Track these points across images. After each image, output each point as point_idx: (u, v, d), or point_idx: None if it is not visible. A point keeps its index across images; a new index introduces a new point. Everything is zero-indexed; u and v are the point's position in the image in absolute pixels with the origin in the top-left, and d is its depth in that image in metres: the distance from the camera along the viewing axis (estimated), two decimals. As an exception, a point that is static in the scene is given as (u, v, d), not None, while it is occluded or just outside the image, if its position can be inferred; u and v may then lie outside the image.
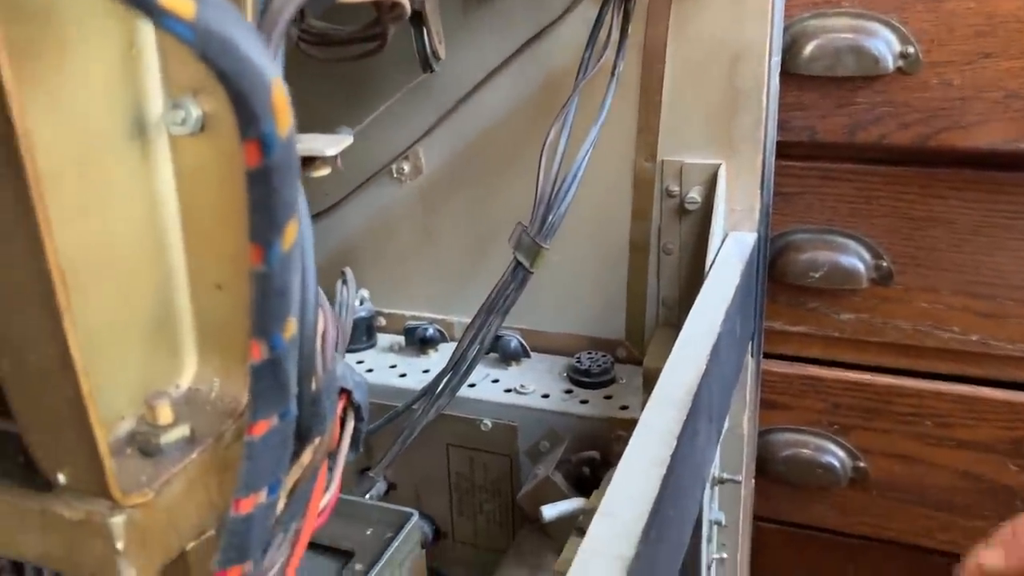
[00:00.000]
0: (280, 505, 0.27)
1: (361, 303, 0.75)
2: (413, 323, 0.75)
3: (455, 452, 0.70)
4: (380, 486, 0.73)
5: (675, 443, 0.41)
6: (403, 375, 0.71)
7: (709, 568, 0.71)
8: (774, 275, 0.76)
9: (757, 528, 0.84)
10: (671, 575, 0.41)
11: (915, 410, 0.77)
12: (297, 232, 0.18)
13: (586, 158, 0.52)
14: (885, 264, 0.74)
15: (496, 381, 0.70)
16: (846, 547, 0.83)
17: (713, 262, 0.61)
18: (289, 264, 0.18)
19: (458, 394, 0.68)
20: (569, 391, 0.69)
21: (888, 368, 0.78)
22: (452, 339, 0.76)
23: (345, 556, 0.43)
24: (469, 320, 0.76)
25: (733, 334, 0.56)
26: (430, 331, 0.74)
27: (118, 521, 0.22)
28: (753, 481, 0.76)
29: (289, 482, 0.27)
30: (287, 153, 0.16)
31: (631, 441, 0.41)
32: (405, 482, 0.73)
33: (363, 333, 0.75)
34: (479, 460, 0.70)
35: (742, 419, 0.70)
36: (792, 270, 0.76)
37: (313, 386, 0.26)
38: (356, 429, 0.32)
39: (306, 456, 0.26)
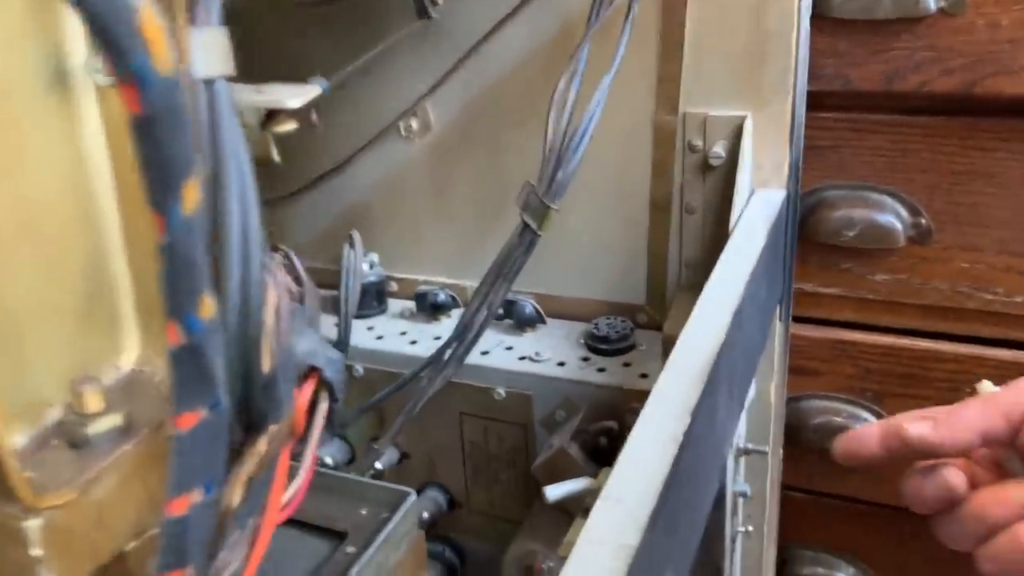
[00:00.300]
0: (236, 500, 0.24)
1: (371, 267, 0.72)
2: (425, 288, 0.72)
3: (469, 421, 0.68)
4: (392, 455, 0.71)
5: (690, 419, 0.38)
6: (414, 342, 0.69)
7: (734, 541, 0.68)
8: (805, 234, 0.72)
9: (787, 498, 0.80)
10: (684, 561, 0.38)
11: (953, 376, 0.72)
12: (198, 192, 0.14)
13: (598, 110, 0.48)
14: (924, 222, 0.69)
15: (510, 348, 0.67)
16: (881, 517, 0.80)
17: (737, 221, 0.57)
18: (193, 231, 0.15)
19: (471, 362, 0.65)
20: (586, 358, 0.66)
21: (925, 332, 0.73)
22: (466, 304, 0.73)
23: (338, 537, 0.41)
24: (483, 284, 0.73)
25: (758, 298, 0.53)
26: (442, 296, 0.71)
27: (33, 525, 0.19)
28: (781, 451, 0.73)
29: (244, 475, 0.24)
30: (170, 95, 0.13)
31: (640, 418, 0.38)
32: (418, 451, 0.71)
33: (373, 298, 0.72)
34: (493, 430, 0.67)
35: (769, 387, 0.67)
36: (824, 229, 0.71)
37: (265, 368, 0.23)
38: (331, 410, 0.29)
39: (261, 445, 0.23)
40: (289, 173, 0.75)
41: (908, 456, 0.41)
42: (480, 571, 0.73)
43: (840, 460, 0.44)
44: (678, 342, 0.43)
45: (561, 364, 0.65)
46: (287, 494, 0.26)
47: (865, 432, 0.43)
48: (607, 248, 0.68)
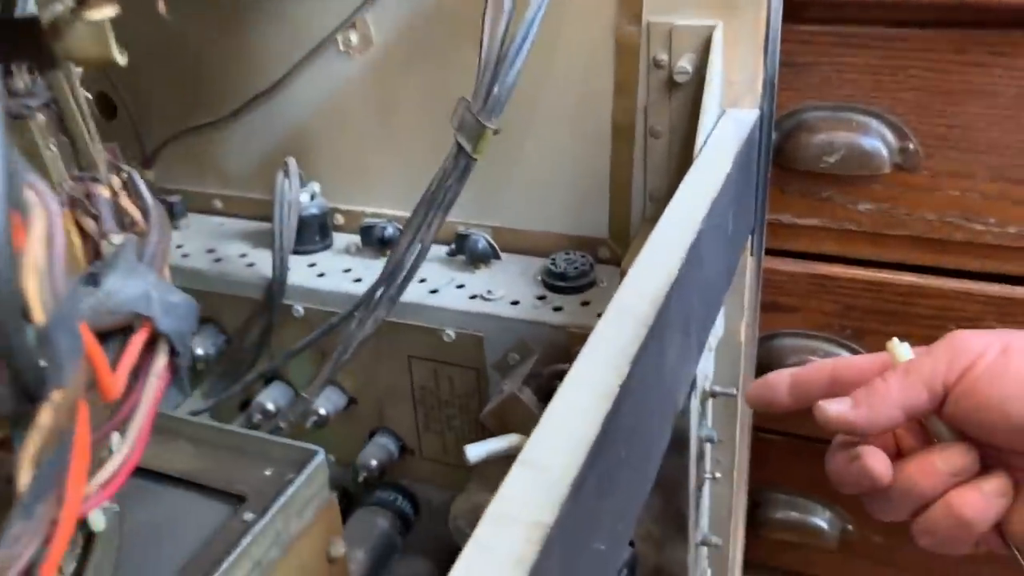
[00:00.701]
0: (23, 484, 0.19)
1: (312, 198, 0.66)
2: (371, 221, 0.66)
3: (418, 365, 0.63)
4: (339, 400, 0.67)
5: (629, 368, 0.33)
6: (358, 280, 0.63)
7: (700, 488, 0.64)
8: (781, 161, 0.67)
9: (759, 441, 0.76)
10: (621, 525, 0.33)
11: (939, 312, 0.68)
12: None
13: (539, 15, 0.42)
14: (911, 146, 0.64)
15: (461, 287, 0.62)
16: (857, 460, 0.76)
17: (704, 144, 0.52)
18: None
19: (419, 302, 0.60)
20: (542, 297, 0.61)
21: (910, 265, 0.68)
22: (416, 238, 0.68)
23: (237, 501, 0.36)
24: (435, 217, 0.68)
25: (722, 230, 0.48)
26: (389, 230, 0.66)
27: None
28: (753, 393, 0.68)
29: (27, 455, 0.19)
30: None
31: (572, 369, 0.33)
32: (367, 396, 0.66)
33: (315, 232, 0.67)
34: (444, 373, 0.63)
35: (739, 326, 0.62)
36: (803, 154, 0.66)
37: (36, 319, 0.18)
38: (174, 367, 0.24)
39: (43, 417, 0.18)
40: (218, 95, 0.68)
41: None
42: (435, 518, 0.69)
43: (751, 406, 0.44)
44: (623, 282, 0.38)
45: (515, 303, 0.60)
46: (100, 476, 0.21)
47: (775, 380, 0.42)
48: (566, 177, 0.62)
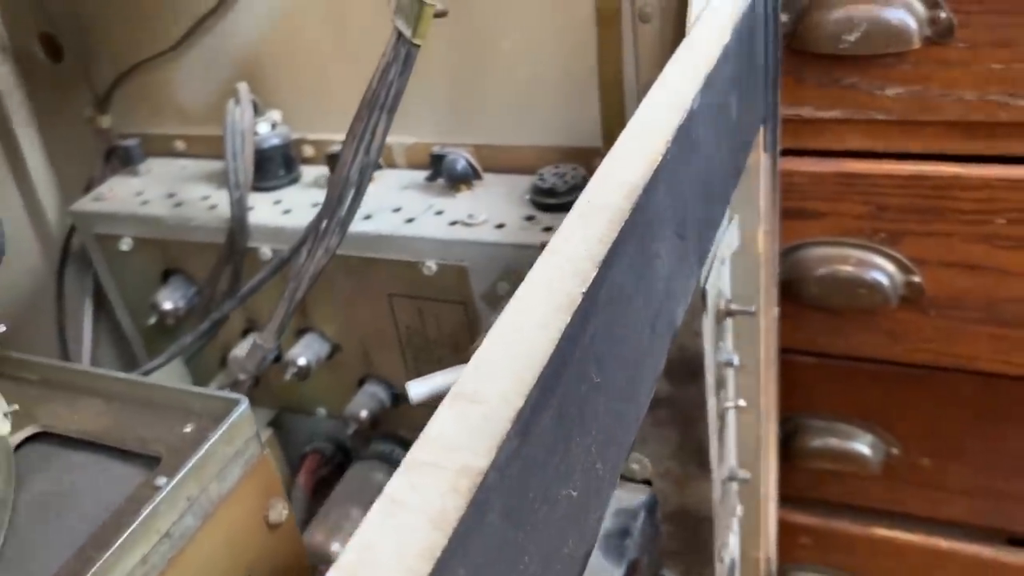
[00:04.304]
0: None
1: (273, 128, 0.60)
2: (337, 148, 0.60)
3: (399, 303, 0.57)
4: (321, 348, 0.61)
5: (596, 272, 0.26)
6: (328, 214, 0.57)
7: (723, 418, 0.57)
8: (795, 44, 0.59)
9: (788, 363, 0.70)
10: (604, 472, 0.27)
11: (983, 206, 0.60)
12: None
13: None
14: (943, 14, 0.55)
15: (440, 213, 0.56)
16: (899, 378, 0.69)
17: (698, 18, 0.44)
18: None
19: (394, 233, 0.54)
20: (530, 217, 0.54)
21: (949, 155, 0.60)
22: (393, 165, 0.62)
23: (154, 463, 0.31)
24: (409, 143, 0.61)
25: (722, 113, 0.40)
26: (359, 156, 0.59)
27: None
28: (777, 309, 0.61)
29: None
30: None
31: (527, 276, 0.27)
32: (350, 342, 0.61)
33: (279, 166, 0.61)
34: (429, 310, 0.56)
35: (756, 234, 0.55)
36: (820, 35, 0.58)
37: None
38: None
39: None
40: (163, 23, 0.62)
41: None
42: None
43: None
44: (598, 169, 0.32)
45: (500, 227, 0.53)
46: None
47: None
48: (550, 79, 0.55)
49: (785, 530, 0.77)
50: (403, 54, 0.37)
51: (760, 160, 0.53)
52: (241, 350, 0.61)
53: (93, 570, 0.25)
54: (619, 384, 0.29)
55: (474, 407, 0.22)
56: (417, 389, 0.29)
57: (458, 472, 0.20)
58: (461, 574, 0.19)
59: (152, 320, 0.62)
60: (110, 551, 0.26)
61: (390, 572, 0.18)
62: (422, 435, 0.21)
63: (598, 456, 0.27)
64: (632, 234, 0.29)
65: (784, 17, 0.58)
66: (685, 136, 0.34)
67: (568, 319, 0.24)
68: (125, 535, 0.26)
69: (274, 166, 0.60)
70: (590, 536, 0.26)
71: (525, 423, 0.22)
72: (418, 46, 0.37)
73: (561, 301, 0.25)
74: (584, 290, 0.25)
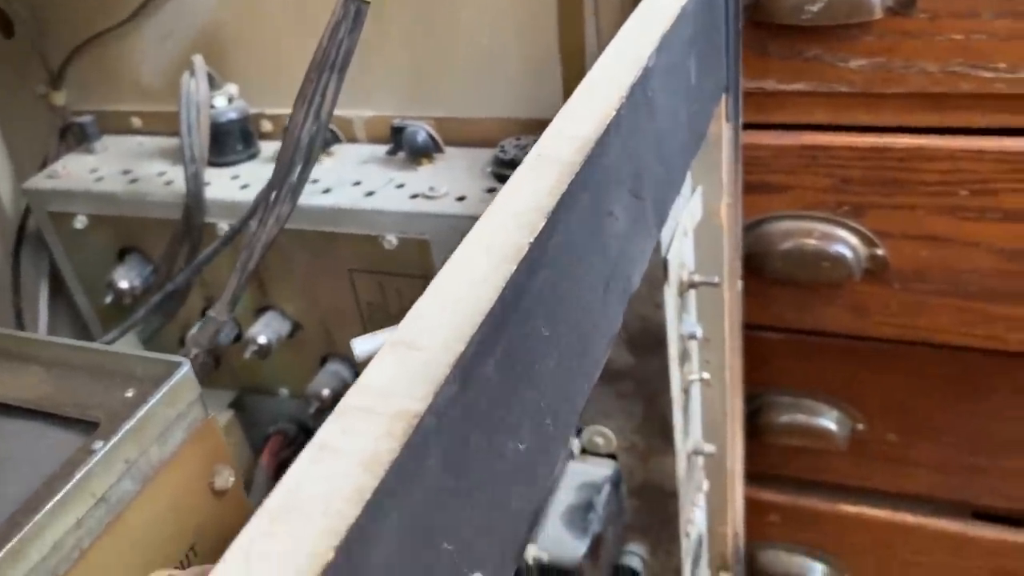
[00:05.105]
0: None
1: (230, 102, 0.59)
2: (297, 122, 0.59)
3: (360, 278, 0.56)
4: (281, 327, 0.60)
5: (544, 223, 0.26)
6: (286, 188, 0.56)
7: (687, 391, 0.57)
8: (759, 16, 0.58)
9: (754, 339, 0.70)
10: (554, 431, 0.27)
11: (947, 177, 0.60)
12: None
13: None
14: (906, -16, 0.55)
15: (401, 186, 0.55)
16: (864, 353, 0.69)
17: (655, -17, 0.43)
18: None
19: (353, 206, 0.53)
20: (492, 190, 0.53)
21: (912, 127, 0.61)
22: (353, 139, 0.61)
23: (91, 428, 0.30)
24: (369, 116, 0.60)
25: (681, 75, 0.40)
26: (318, 130, 0.58)
27: None
28: (741, 283, 0.61)
29: None
30: None
31: (475, 226, 0.26)
32: (311, 320, 0.60)
33: (237, 140, 0.59)
34: (390, 285, 0.56)
35: (719, 206, 0.55)
36: (782, 5, 0.57)
37: None
38: None
39: None
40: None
41: None
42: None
43: None
44: (548, 128, 0.31)
45: (461, 199, 0.53)
46: None
47: None
48: (512, 49, 0.55)
49: (753, 508, 0.77)
50: (352, 11, 0.36)
51: (723, 130, 0.52)
52: (197, 328, 0.60)
53: (22, 532, 0.24)
54: (571, 341, 0.28)
55: (413, 353, 0.21)
56: (362, 346, 0.29)
57: (393, 417, 0.19)
58: (395, 518, 0.18)
59: (108, 299, 0.61)
60: (40, 513, 0.25)
61: (317, 516, 0.17)
62: (357, 382, 0.20)
63: (548, 411, 0.26)
64: (583, 188, 0.28)
65: (746, -12, 0.58)
66: (640, 93, 0.34)
67: (513, 269, 0.24)
68: (57, 498, 0.25)
69: (232, 140, 0.59)
70: (538, 492, 0.26)
71: (466, 369, 0.21)
72: (368, 3, 0.37)
73: (507, 251, 0.24)
74: (531, 240, 0.25)
